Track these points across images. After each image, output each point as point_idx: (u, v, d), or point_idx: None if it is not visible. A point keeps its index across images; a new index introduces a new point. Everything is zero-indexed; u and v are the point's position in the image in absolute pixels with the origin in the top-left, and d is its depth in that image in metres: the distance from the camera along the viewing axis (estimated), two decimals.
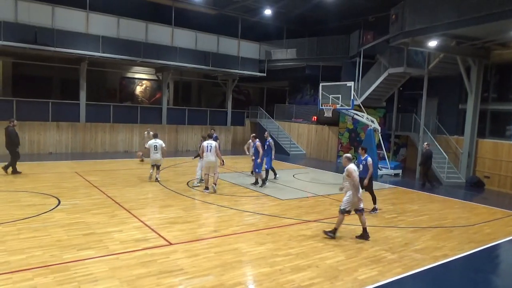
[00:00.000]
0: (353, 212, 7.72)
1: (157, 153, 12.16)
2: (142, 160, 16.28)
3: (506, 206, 12.03)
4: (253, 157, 12.92)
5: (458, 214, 10.50)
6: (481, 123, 15.90)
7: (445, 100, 18.01)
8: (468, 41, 14.37)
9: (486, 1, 11.50)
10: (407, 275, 6.12)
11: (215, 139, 11.87)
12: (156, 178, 12.26)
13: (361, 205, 7.66)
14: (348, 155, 7.87)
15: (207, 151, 10.99)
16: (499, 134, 15.67)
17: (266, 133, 14.97)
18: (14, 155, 12.38)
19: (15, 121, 12.89)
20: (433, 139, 17.02)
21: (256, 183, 12.54)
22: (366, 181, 9.64)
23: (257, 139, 12.61)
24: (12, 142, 12.33)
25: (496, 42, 14.57)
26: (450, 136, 17.05)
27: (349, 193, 7.57)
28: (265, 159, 12.57)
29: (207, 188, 11.17)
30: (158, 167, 12.38)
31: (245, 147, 14.45)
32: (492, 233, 8.79)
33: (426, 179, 14.64)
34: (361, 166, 9.71)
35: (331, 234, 7.58)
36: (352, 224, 8.78)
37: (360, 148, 10.37)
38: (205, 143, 11.19)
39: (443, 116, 17.98)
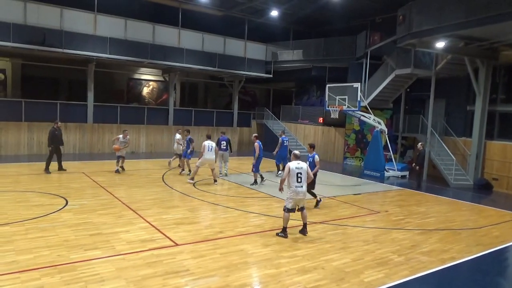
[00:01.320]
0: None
1: (212, 154, 12.58)
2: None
3: None
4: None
5: (466, 217, 10.41)
6: (490, 124, 15.75)
7: (452, 101, 17.88)
8: (476, 42, 14.26)
9: (494, 2, 11.41)
10: (414, 278, 6.07)
11: (227, 140, 14.24)
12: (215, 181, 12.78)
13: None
14: (297, 151, 8.05)
15: (208, 150, 12.35)
16: (508, 136, 15.50)
17: (280, 131, 15.94)
18: (49, 154, 13.45)
19: (59, 123, 13.93)
20: (440, 140, 16.90)
21: (254, 183, 12.86)
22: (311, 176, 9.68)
23: (258, 140, 12.94)
24: (50, 141, 13.45)
25: (504, 43, 14.41)
26: (458, 137, 16.91)
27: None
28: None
29: (192, 179, 12.45)
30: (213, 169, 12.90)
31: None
32: (500, 236, 8.70)
33: (421, 179, 14.88)
34: (308, 162, 9.81)
35: (281, 234, 7.62)
36: (358, 226, 8.75)
37: (308, 145, 10.43)
38: (206, 143, 12.45)
39: (450, 118, 17.85)
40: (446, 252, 7.32)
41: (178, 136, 15.49)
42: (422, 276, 6.19)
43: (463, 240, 8.17)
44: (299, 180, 7.55)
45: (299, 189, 7.56)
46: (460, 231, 8.84)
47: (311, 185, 9.87)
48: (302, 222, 7.91)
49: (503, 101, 16.02)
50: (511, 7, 10.97)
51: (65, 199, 9.55)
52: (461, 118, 17.41)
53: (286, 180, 7.59)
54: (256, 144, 12.83)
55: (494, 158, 15.31)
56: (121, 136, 13.97)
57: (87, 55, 17.60)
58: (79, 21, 17.35)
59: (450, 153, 16.18)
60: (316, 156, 10.17)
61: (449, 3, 12.79)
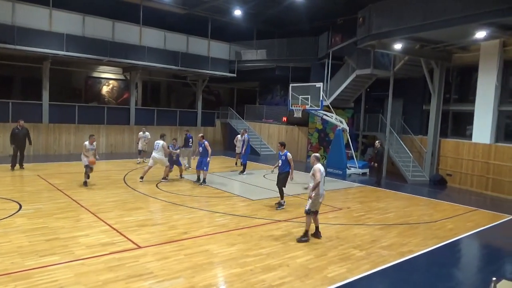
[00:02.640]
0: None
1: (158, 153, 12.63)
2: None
3: (467, 202, 12.59)
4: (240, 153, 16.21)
5: (422, 211, 10.88)
6: (444, 123, 16.56)
7: (410, 101, 18.63)
8: (431, 44, 14.96)
9: (449, 7, 12.01)
10: (375, 271, 6.27)
11: (190, 138, 15.18)
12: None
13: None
14: (317, 154, 7.97)
15: (154, 148, 12.67)
16: (460, 133, 16.38)
17: (242, 130, 16.93)
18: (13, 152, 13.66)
19: (22, 122, 13.94)
20: (398, 138, 17.57)
21: (198, 180, 12.85)
22: (292, 175, 9.93)
23: (205, 140, 12.98)
24: (11, 140, 13.71)
25: (457, 46, 15.25)
26: (415, 135, 17.65)
27: (315, 193, 7.46)
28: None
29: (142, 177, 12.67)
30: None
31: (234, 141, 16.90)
32: (454, 229, 9.16)
33: (381, 176, 15.47)
34: (280, 161, 10.02)
35: (306, 238, 7.48)
36: (321, 223, 8.92)
37: (278, 144, 10.51)
38: (155, 142, 12.81)
39: (408, 117, 18.59)
40: (404, 246, 7.62)
41: (142, 134, 16.64)
42: (383, 269, 6.41)
43: (420, 234, 8.53)
44: (324, 182, 7.61)
45: (324, 192, 7.64)
46: (417, 225, 9.22)
47: (282, 183, 9.98)
48: (314, 225, 7.74)
49: (455, 100, 16.88)
50: (463, 12, 11.60)
51: (18, 203, 9.06)
52: (417, 117, 18.18)
53: (317, 180, 7.37)
54: (206, 143, 12.59)
55: (448, 155, 16.11)
56: (87, 142, 11.60)
57: (42, 52, 16.80)
58: (33, 16, 16.51)
59: (407, 151, 16.87)
60: (289, 154, 10.01)
61: (407, 6, 13.33)
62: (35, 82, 18.95)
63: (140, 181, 12.52)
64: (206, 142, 12.67)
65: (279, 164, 10.11)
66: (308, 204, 7.51)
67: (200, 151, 12.76)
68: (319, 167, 7.57)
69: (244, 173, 15.44)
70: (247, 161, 16.06)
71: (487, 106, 14.53)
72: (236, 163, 17.36)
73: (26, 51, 16.40)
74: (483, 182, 14.61)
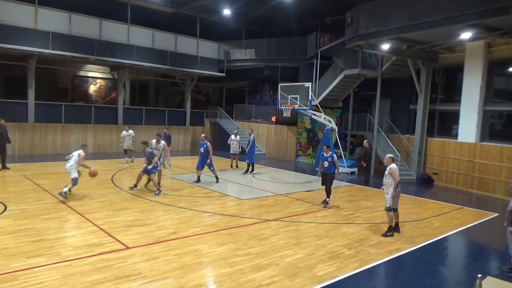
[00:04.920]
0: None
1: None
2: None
3: (453, 200, 12.79)
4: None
5: (409, 209, 11.00)
6: (430, 122, 16.78)
7: (397, 100, 18.84)
8: (418, 45, 15.15)
9: (434, 8, 12.19)
10: (364, 270, 6.33)
11: (168, 137, 14.72)
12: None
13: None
14: (391, 155, 8.44)
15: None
16: (446, 133, 16.62)
17: (249, 130, 17.33)
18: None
19: (2, 121, 13.62)
20: (386, 138, 17.75)
21: (198, 181, 12.93)
22: (338, 176, 10.76)
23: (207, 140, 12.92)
24: None
25: (442, 47, 15.46)
26: (402, 135, 17.86)
27: (390, 191, 8.04)
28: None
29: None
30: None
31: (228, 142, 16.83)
32: (440, 227, 9.29)
33: (369, 175, 15.71)
34: (327, 162, 10.52)
35: (391, 233, 8.10)
36: (310, 222, 8.96)
37: (324, 146, 10.96)
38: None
39: (395, 116, 18.80)
40: (392, 244, 7.70)
41: (125, 133, 16.53)
42: (371, 267, 6.47)
43: (408, 232, 8.63)
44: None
45: (399, 190, 8.17)
46: (404, 223, 9.32)
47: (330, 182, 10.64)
48: (395, 221, 8.36)
49: (442, 100, 17.13)
50: (449, 13, 11.78)
51: (3, 204, 8.89)
52: (404, 117, 18.40)
53: (397, 180, 7.95)
54: (208, 144, 12.73)
55: (435, 154, 16.33)
56: (81, 151, 10.43)
57: (27, 51, 16.50)
58: (17, 14, 16.19)
59: (395, 150, 17.05)
60: (334, 155, 10.66)
61: (394, 7, 13.49)
62: (20, 80, 18.60)
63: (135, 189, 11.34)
64: (208, 143, 12.69)
65: (325, 166, 10.53)
66: (387, 202, 8.09)
67: (202, 151, 12.76)
68: (396, 166, 8.10)
69: (254, 172, 15.56)
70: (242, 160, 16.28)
71: (472, 106, 14.77)
72: (231, 165, 16.98)
73: (10, 49, 16.09)
74: (469, 180, 14.85)
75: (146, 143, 11.27)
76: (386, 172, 8.15)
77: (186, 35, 21.95)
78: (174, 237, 7.31)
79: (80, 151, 10.30)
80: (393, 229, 8.31)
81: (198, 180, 12.82)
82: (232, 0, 19.90)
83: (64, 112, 18.92)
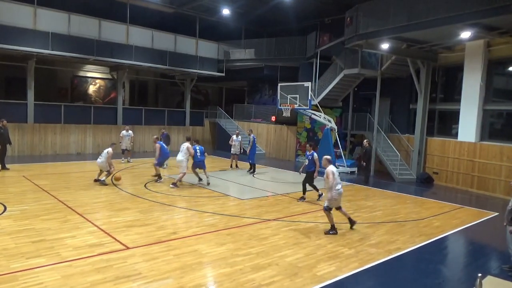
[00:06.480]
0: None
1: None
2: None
3: (453, 200, 12.79)
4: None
5: (410, 209, 11.01)
6: (430, 122, 16.77)
7: (397, 100, 18.83)
8: (417, 44, 15.14)
9: (433, 7, 12.18)
10: (364, 269, 6.33)
11: (167, 137, 15.04)
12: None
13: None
14: (328, 157, 8.52)
15: (180, 150, 12.43)
16: (446, 132, 16.61)
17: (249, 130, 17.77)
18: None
19: (4, 121, 13.72)
20: (386, 137, 17.74)
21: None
22: (316, 174, 10.90)
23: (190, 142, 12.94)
24: None
25: (442, 46, 15.46)
26: (402, 134, 17.84)
27: (329, 192, 8.05)
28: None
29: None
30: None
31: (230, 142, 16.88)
32: (440, 226, 9.29)
33: (368, 174, 15.69)
34: (307, 160, 10.82)
35: (333, 231, 8.03)
36: (310, 221, 8.96)
37: (308, 144, 11.17)
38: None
39: (395, 116, 18.79)
40: (392, 243, 7.69)
41: (125, 132, 16.78)
42: (371, 267, 6.47)
43: (408, 232, 8.63)
44: (340, 182, 8.11)
45: (341, 190, 8.05)
46: (404, 223, 9.33)
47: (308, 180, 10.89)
48: (346, 217, 8.47)
49: (441, 100, 17.12)
50: (448, 12, 11.77)
51: (3, 204, 8.89)
52: (404, 116, 18.39)
53: (330, 183, 7.91)
54: (188, 145, 12.46)
55: (435, 153, 16.33)
56: (109, 149, 12.03)
57: (27, 51, 16.50)
58: (16, 14, 16.18)
59: (395, 149, 17.05)
60: (315, 154, 10.89)
61: (393, 7, 13.47)
62: (19, 81, 18.59)
63: (172, 187, 11.87)
64: (188, 145, 12.57)
65: (306, 164, 11.00)
66: (326, 202, 8.12)
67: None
68: (331, 169, 8.06)
69: (255, 172, 15.59)
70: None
71: (472, 105, 14.77)
72: (231, 165, 17.00)
73: (10, 49, 16.09)
74: (469, 180, 14.85)
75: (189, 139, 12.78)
76: (324, 176, 8.16)
77: (186, 35, 21.95)
78: (174, 237, 7.30)
79: (109, 149, 11.51)
80: (351, 222, 8.43)
81: (200, 179, 12.85)
82: (232, 0, 19.88)
83: (64, 112, 18.92)
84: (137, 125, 21.43)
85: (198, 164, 12.58)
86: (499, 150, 13.83)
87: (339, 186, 8.00)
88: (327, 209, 8.05)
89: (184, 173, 12.13)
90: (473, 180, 14.68)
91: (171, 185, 11.93)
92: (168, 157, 13.94)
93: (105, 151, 11.80)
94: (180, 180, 12.13)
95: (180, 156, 12.18)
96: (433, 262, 6.96)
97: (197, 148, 12.53)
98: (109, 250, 6.47)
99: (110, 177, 12.05)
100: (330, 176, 7.89)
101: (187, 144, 12.26)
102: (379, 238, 7.98)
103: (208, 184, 12.50)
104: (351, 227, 8.45)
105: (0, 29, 15.62)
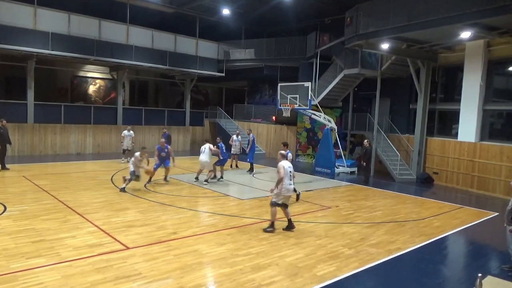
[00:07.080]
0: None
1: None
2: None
3: (453, 200, 12.78)
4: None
5: (409, 209, 11.00)
6: (430, 122, 16.76)
7: (397, 100, 18.82)
8: (417, 44, 15.14)
9: (433, 7, 12.18)
10: (364, 269, 6.32)
11: (169, 137, 15.09)
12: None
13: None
14: (283, 152, 8.49)
15: (202, 152, 12.78)
16: (446, 132, 16.61)
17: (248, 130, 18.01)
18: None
19: (4, 121, 13.69)
20: (386, 137, 17.74)
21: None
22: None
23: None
24: None
25: (442, 46, 15.46)
26: (402, 134, 17.84)
27: (278, 188, 7.95)
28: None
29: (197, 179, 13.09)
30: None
31: (229, 142, 16.83)
32: (440, 226, 9.29)
33: (368, 174, 15.68)
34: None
35: (271, 229, 7.92)
36: (310, 221, 8.96)
37: (282, 144, 10.81)
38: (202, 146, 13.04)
39: (395, 116, 18.78)
40: (392, 243, 7.69)
41: (126, 132, 16.72)
42: (371, 267, 6.46)
43: (408, 232, 8.62)
44: (291, 178, 7.98)
45: (291, 186, 7.97)
46: (404, 223, 9.33)
47: None
48: (286, 218, 8.16)
49: (441, 100, 17.11)
50: (448, 12, 11.76)
51: (3, 205, 8.88)
52: (404, 116, 18.38)
53: (280, 176, 7.84)
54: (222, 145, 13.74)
55: (434, 153, 16.32)
56: (137, 153, 11.21)
57: (27, 51, 16.50)
58: (16, 14, 16.19)
59: (395, 149, 17.05)
60: (289, 154, 10.57)
61: (393, 7, 13.46)
62: (19, 81, 18.60)
63: (195, 181, 12.94)
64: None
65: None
66: (273, 197, 8.08)
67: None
68: (283, 164, 8.00)
69: (254, 172, 15.76)
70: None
71: (472, 105, 14.76)
72: (231, 165, 16.96)
73: (10, 49, 16.09)
74: (469, 180, 14.84)
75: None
76: (276, 169, 8.13)
77: (186, 35, 21.96)
78: (174, 237, 7.30)
79: (137, 153, 11.17)
80: (288, 227, 8.09)
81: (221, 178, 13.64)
82: (232, 0, 19.88)
83: (64, 112, 18.92)
84: (137, 125, 21.43)
85: (223, 161, 13.66)
86: (499, 150, 13.83)
87: (289, 182, 7.89)
88: (274, 204, 7.98)
89: (213, 170, 13.24)
90: (473, 180, 14.68)
91: (204, 182, 12.67)
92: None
93: (135, 154, 11.22)
94: (212, 177, 13.13)
95: (204, 157, 12.66)
96: (433, 262, 6.96)
97: (223, 145, 13.51)
98: (109, 250, 6.47)
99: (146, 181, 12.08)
100: (281, 171, 7.82)
101: (209, 145, 12.84)
102: (379, 238, 7.98)
103: (222, 179, 13.57)
104: (286, 229, 8.06)
105: (0, 29, 15.62)
